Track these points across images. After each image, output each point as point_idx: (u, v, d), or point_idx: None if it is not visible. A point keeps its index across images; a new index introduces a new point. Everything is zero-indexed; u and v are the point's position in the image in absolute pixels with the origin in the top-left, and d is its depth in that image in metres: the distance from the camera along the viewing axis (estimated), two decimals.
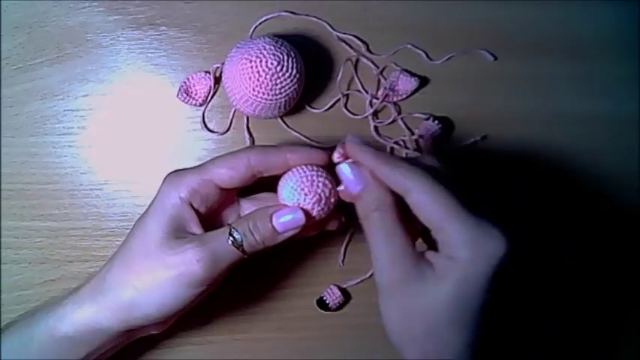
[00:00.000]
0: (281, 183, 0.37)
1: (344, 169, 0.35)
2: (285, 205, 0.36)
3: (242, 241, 0.35)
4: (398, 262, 0.32)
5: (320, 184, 0.36)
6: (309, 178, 0.36)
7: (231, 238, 0.34)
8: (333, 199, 0.37)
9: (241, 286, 0.47)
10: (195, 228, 0.36)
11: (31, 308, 0.40)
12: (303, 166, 0.37)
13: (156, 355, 0.47)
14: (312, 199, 0.36)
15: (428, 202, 0.31)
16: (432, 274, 0.31)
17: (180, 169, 0.37)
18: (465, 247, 0.30)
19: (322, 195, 0.36)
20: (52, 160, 0.46)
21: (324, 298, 0.48)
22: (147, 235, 0.35)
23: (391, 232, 0.32)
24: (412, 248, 0.32)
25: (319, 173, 0.37)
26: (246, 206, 0.40)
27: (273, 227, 0.35)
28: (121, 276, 0.35)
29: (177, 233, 0.35)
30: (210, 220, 0.38)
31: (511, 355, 0.50)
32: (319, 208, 0.36)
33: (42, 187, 0.45)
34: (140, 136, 0.47)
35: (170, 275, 0.34)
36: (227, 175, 0.36)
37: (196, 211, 0.36)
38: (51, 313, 0.36)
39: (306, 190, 0.36)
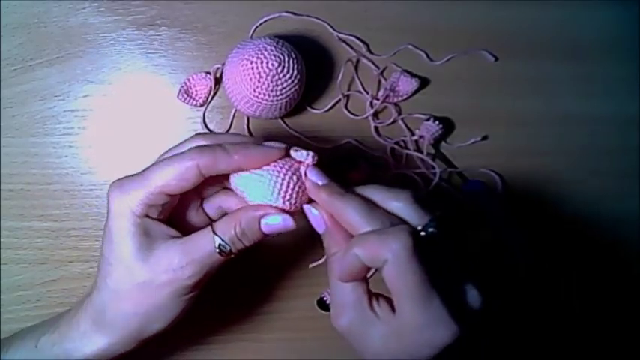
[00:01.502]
0: (242, 183, 0.35)
1: (308, 210, 0.35)
2: (269, 207, 0.34)
3: (230, 248, 0.34)
4: (345, 310, 0.32)
5: (292, 184, 0.34)
6: (281, 177, 0.34)
7: (219, 248, 0.34)
8: (304, 196, 0.35)
9: (241, 286, 0.47)
10: (167, 231, 0.34)
11: (27, 330, 0.38)
12: (275, 166, 0.34)
13: (156, 355, 0.47)
14: (286, 198, 0.34)
15: (394, 277, 0.30)
16: (379, 326, 0.31)
17: (124, 183, 0.34)
18: (411, 328, 0.30)
19: (295, 193, 0.34)
20: (53, 161, 0.46)
21: (324, 298, 0.48)
22: (124, 260, 0.33)
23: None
24: (363, 296, 0.32)
25: (288, 170, 0.34)
26: (226, 200, 0.38)
27: (261, 230, 0.34)
28: (119, 307, 0.34)
29: (152, 245, 0.33)
30: (176, 218, 0.37)
31: None
32: (294, 203, 0.34)
33: (42, 187, 0.45)
34: (140, 137, 0.47)
35: (165, 294, 0.33)
36: (177, 186, 0.33)
37: (159, 218, 0.34)
38: (59, 347, 0.35)
39: (278, 189, 0.34)
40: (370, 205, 0.32)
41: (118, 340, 0.35)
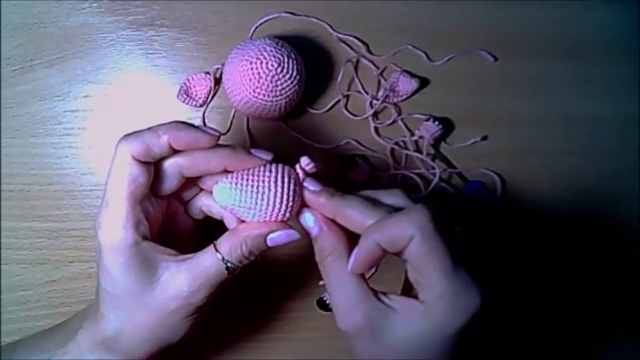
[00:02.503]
0: (231, 195, 0.34)
1: (302, 216, 0.35)
2: (273, 223, 0.34)
3: (237, 267, 0.34)
4: (356, 307, 0.32)
5: (287, 190, 0.33)
6: (284, 184, 0.34)
7: (227, 270, 0.33)
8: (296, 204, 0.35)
9: (241, 286, 0.47)
10: (165, 252, 0.34)
11: (28, 340, 0.38)
12: (256, 173, 0.34)
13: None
14: (286, 205, 0.33)
15: (423, 252, 0.30)
16: (396, 317, 0.31)
17: (101, 220, 0.33)
18: (444, 300, 0.30)
19: (291, 202, 0.34)
20: (53, 161, 0.46)
21: (324, 298, 0.48)
22: (129, 292, 0.33)
23: (345, 278, 0.32)
24: (369, 291, 0.32)
25: (284, 178, 0.34)
26: (190, 198, 0.38)
27: (266, 245, 0.35)
28: (137, 334, 0.34)
29: (155, 271, 0.33)
30: (164, 227, 0.37)
31: None
32: (290, 211, 0.34)
33: (42, 187, 0.45)
34: None
35: (179, 317, 0.34)
36: (134, 185, 0.32)
37: (151, 234, 0.34)
38: None
39: (279, 199, 0.33)
40: (371, 200, 0.33)
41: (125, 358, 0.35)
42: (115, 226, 0.32)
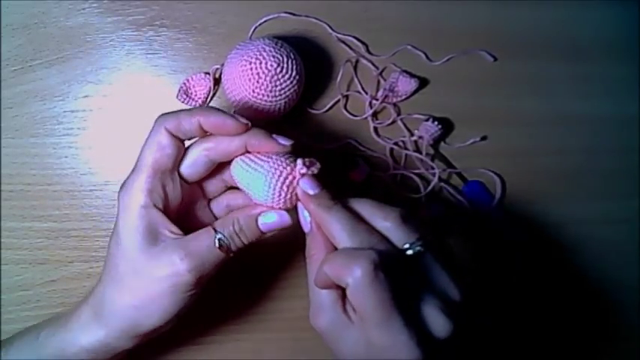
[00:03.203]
0: (244, 175, 0.35)
1: (300, 209, 0.36)
2: (267, 206, 0.35)
3: (229, 243, 0.35)
4: (322, 311, 0.33)
5: (287, 182, 0.35)
6: (277, 175, 0.34)
7: (218, 243, 0.35)
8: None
9: (241, 286, 0.47)
10: (171, 227, 0.35)
11: (28, 328, 0.39)
12: (270, 159, 0.35)
13: (156, 355, 0.47)
14: (281, 195, 0.35)
15: (355, 300, 0.30)
16: (353, 331, 0.32)
17: (125, 182, 0.36)
18: (379, 350, 0.30)
19: (290, 192, 0.35)
20: (52, 161, 0.46)
21: None
22: (128, 253, 0.34)
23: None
24: (338, 300, 0.33)
25: (285, 168, 0.35)
26: (232, 198, 0.40)
27: (259, 228, 0.36)
28: (118, 298, 0.35)
29: (157, 240, 0.35)
30: (182, 213, 0.38)
31: None
32: (289, 199, 0.35)
33: (42, 188, 0.46)
34: (140, 137, 0.46)
35: (163, 287, 0.34)
36: (162, 156, 0.35)
37: (166, 210, 0.35)
38: (57, 337, 0.36)
39: (273, 186, 0.34)
40: (355, 221, 0.33)
41: (113, 333, 0.35)
42: (133, 187, 0.35)
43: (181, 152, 0.36)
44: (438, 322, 0.31)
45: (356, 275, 0.29)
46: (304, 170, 0.34)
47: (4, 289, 0.45)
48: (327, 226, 0.33)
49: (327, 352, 0.48)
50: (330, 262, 0.31)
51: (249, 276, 0.47)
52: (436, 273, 0.32)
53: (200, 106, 0.47)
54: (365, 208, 0.34)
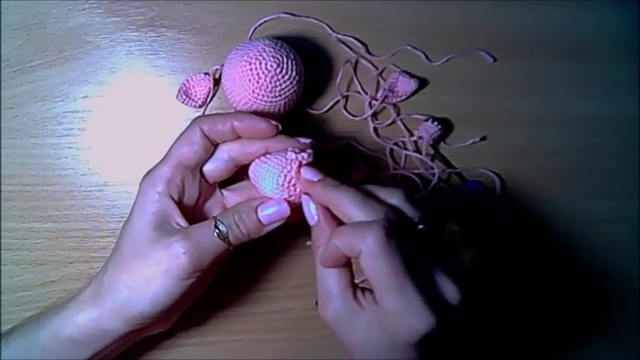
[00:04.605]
0: (257, 172, 0.38)
1: (305, 200, 0.36)
2: (269, 198, 0.37)
3: (227, 233, 0.35)
4: (331, 301, 0.33)
5: (293, 177, 0.36)
6: (287, 167, 0.36)
7: (216, 230, 0.35)
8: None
9: (241, 286, 0.47)
10: (180, 220, 0.36)
11: (34, 313, 0.40)
12: (278, 155, 0.37)
13: (156, 355, 0.47)
14: (286, 187, 0.36)
15: (368, 268, 0.30)
16: (363, 317, 0.32)
17: (151, 169, 0.38)
18: (389, 316, 0.31)
19: (295, 185, 0.37)
20: (52, 162, 0.46)
21: None
22: (134, 234, 0.36)
23: (328, 271, 0.33)
24: (348, 288, 0.33)
25: (292, 163, 0.37)
26: (229, 196, 0.40)
27: (259, 219, 0.36)
28: (116, 277, 0.36)
29: (163, 228, 0.36)
30: (195, 214, 0.39)
31: None
32: (295, 192, 0.37)
33: (42, 188, 0.46)
34: (140, 138, 0.47)
35: (158, 270, 0.35)
36: (190, 151, 0.37)
37: (179, 204, 0.37)
38: (55, 316, 0.37)
39: (287, 180, 0.36)
40: (364, 195, 0.33)
41: (105, 312, 0.36)
42: (155, 174, 0.36)
43: (208, 154, 0.38)
44: (450, 289, 0.31)
45: (369, 242, 0.30)
46: (300, 158, 0.36)
47: (4, 289, 0.45)
48: (336, 204, 0.33)
49: (327, 352, 0.49)
50: (341, 233, 0.32)
51: (249, 276, 0.47)
52: (443, 246, 0.33)
53: (204, 106, 0.47)
54: (368, 189, 0.34)
